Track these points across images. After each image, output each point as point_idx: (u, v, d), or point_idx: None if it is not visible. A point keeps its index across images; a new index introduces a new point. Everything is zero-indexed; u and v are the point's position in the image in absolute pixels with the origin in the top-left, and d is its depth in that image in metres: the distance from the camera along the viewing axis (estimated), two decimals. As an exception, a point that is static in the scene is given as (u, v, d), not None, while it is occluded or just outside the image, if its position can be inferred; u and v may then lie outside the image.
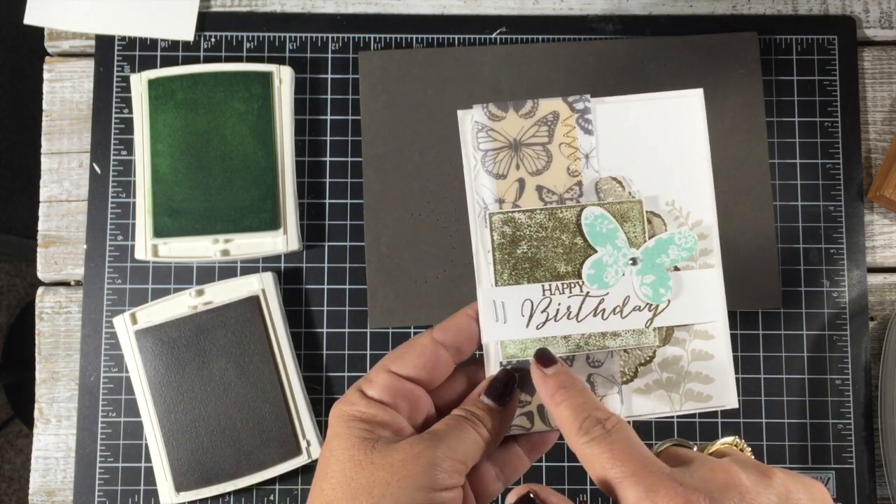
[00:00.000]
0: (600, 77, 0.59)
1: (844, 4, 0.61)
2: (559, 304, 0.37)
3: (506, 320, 0.37)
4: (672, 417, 0.57)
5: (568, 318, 0.37)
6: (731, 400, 0.38)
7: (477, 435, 0.34)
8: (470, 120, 0.38)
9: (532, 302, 0.37)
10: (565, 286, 0.37)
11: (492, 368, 0.37)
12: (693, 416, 0.57)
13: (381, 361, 0.36)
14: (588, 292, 0.37)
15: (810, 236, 0.58)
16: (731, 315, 0.57)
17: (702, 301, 0.37)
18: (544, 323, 0.37)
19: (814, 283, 0.58)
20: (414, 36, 0.60)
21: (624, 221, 0.37)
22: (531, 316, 0.37)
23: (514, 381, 0.36)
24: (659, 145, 0.38)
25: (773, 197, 0.58)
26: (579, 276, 0.37)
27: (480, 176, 0.38)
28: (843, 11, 0.61)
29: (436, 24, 0.60)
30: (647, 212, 0.37)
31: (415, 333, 0.58)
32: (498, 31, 0.60)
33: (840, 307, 0.58)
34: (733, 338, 0.57)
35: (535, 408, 0.37)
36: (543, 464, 0.56)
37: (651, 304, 0.37)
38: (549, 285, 0.37)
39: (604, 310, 0.37)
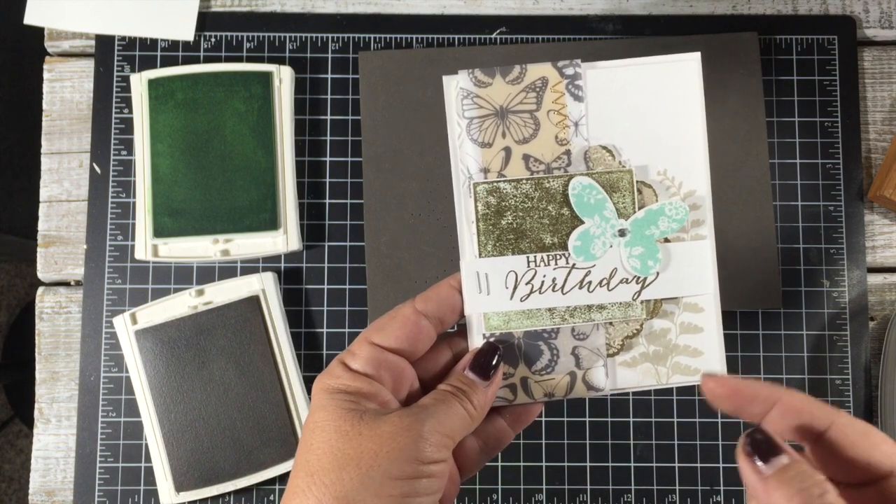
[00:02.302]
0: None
1: (844, 4, 0.61)
2: (544, 276, 0.36)
3: (489, 292, 0.36)
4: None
5: (553, 290, 0.36)
6: (719, 373, 0.37)
7: (463, 410, 0.34)
8: (455, 86, 0.37)
9: (516, 274, 0.36)
10: (551, 258, 0.36)
11: (475, 340, 0.37)
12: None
13: (364, 333, 0.35)
14: (574, 264, 0.36)
15: (810, 236, 0.58)
16: (732, 315, 0.57)
17: (692, 273, 0.36)
18: (528, 295, 0.36)
19: (814, 283, 0.58)
20: (414, 36, 0.60)
21: (613, 192, 0.36)
22: (515, 288, 0.36)
23: (498, 354, 0.36)
24: (652, 112, 0.37)
25: (773, 197, 0.58)
26: (565, 247, 0.36)
27: (465, 144, 0.37)
28: (843, 11, 0.61)
29: (436, 24, 0.60)
30: (637, 181, 0.36)
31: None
32: (498, 31, 0.60)
33: (840, 307, 0.58)
34: (733, 338, 0.57)
35: (518, 380, 0.37)
36: (543, 464, 0.56)
37: (639, 277, 0.36)
38: (535, 257, 0.36)
39: (590, 282, 0.36)
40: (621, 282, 0.36)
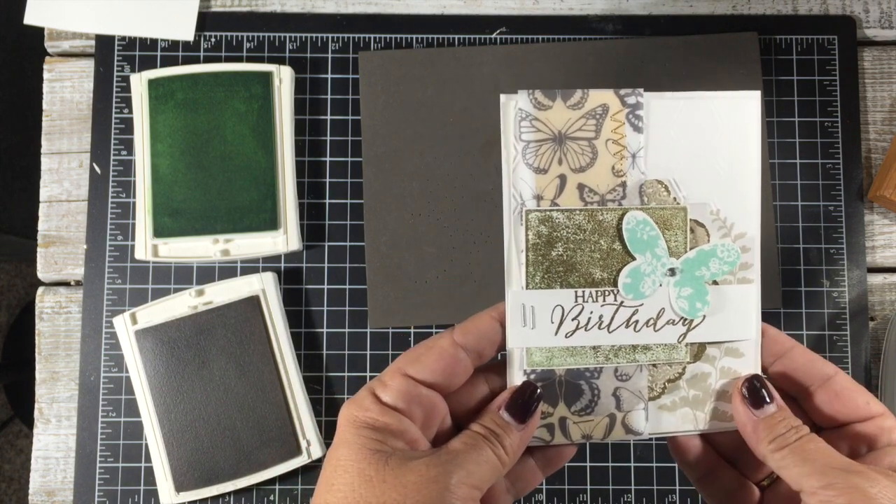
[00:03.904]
0: (600, 77, 0.59)
1: (844, 4, 0.61)
2: (591, 313, 0.35)
3: (534, 326, 0.34)
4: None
5: (599, 327, 0.35)
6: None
7: (495, 457, 0.32)
8: (513, 107, 0.35)
9: (563, 308, 0.34)
10: (599, 294, 0.35)
11: (515, 377, 0.35)
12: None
13: (397, 363, 0.34)
14: (622, 302, 0.35)
15: (810, 236, 0.58)
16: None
17: (737, 318, 0.35)
18: (574, 331, 0.35)
19: (814, 283, 0.58)
20: (414, 36, 0.60)
21: (666, 229, 0.35)
22: (561, 323, 0.35)
23: (537, 395, 0.34)
24: (709, 149, 0.35)
25: (773, 197, 0.58)
26: (614, 283, 0.35)
27: (520, 169, 0.35)
28: (843, 11, 0.61)
29: (436, 24, 0.60)
30: (690, 220, 0.35)
31: (414, 333, 0.58)
32: (498, 31, 0.60)
33: (840, 307, 0.58)
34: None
35: (557, 420, 0.35)
36: (543, 464, 0.56)
37: (685, 319, 0.35)
38: (583, 292, 0.35)
39: (636, 321, 0.35)
40: (668, 323, 0.35)
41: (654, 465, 0.56)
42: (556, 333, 0.35)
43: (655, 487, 0.56)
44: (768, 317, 0.58)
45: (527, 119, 0.35)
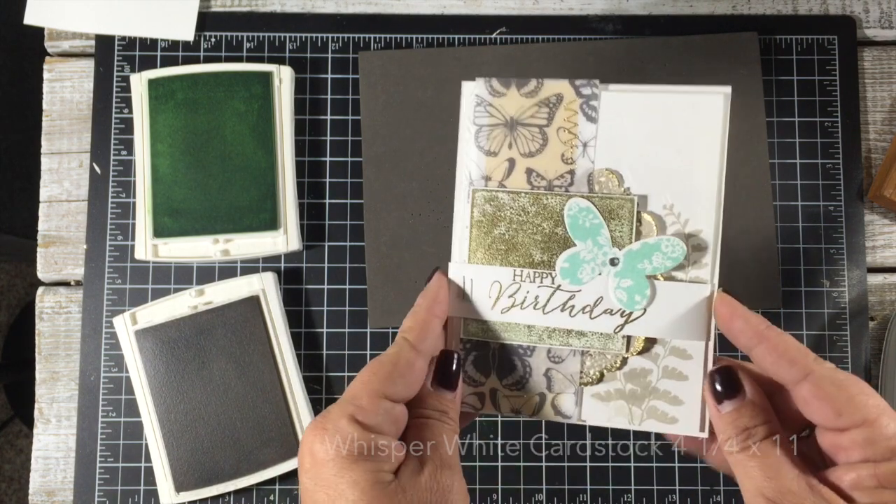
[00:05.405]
0: (600, 77, 0.58)
1: (844, 4, 0.61)
2: (527, 293, 0.36)
3: (472, 298, 0.36)
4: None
5: (534, 307, 0.36)
6: (696, 427, 0.35)
7: (453, 432, 0.34)
8: (470, 92, 0.37)
9: (501, 284, 0.36)
10: (537, 275, 0.36)
11: (451, 344, 0.37)
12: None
13: (370, 384, 0.33)
14: (559, 285, 0.36)
15: (810, 236, 0.58)
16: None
17: (684, 317, 0.35)
18: (510, 308, 0.36)
19: (814, 283, 0.58)
20: (414, 36, 0.60)
21: (612, 218, 0.35)
22: (497, 298, 0.36)
23: (457, 359, 0.35)
24: (667, 143, 0.35)
25: (773, 197, 0.58)
26: (553, 267, 0.36)
27: (471, 150, 0.37)
28: (843, 11, 0.61)
29: (436, 24, 0.60)
30: (639, 212, 0.35)
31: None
32: (498, 31, 0.60)
33: (840, 307, 0.58)
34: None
35: (488, 391, 0.37)
36: (543, 464, 0.56)
37: (624, 310, 0.35)
38: (521, 272, 0.36)
39: (572, 306, 0.36)
40: (605, 312, 0.35)
41: (654, 465, 0.56)
42: (493, 308, 0.36)
43: (655, 487, 0.56)
44: (769, 317, 0.58)
45: (481, 104, 0.37)
